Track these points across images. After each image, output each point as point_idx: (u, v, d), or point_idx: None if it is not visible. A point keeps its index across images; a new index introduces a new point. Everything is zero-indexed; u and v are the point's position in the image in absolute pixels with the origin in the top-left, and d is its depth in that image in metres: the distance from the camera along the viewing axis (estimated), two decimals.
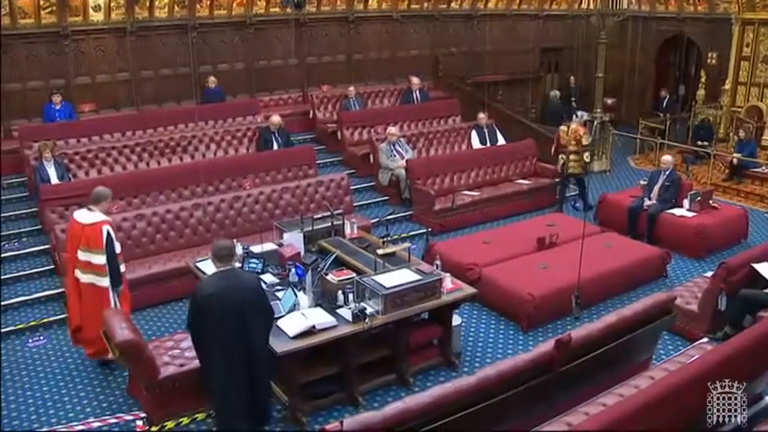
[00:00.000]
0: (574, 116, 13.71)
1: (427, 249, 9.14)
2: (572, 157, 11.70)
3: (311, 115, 14.28)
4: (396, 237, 10.27)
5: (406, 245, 7.67)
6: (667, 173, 10.67)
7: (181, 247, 9.16)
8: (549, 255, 8.92)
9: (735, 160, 13.38)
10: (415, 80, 14.99)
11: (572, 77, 18.33)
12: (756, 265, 7.51)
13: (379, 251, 7.43)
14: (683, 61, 19.01)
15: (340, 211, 8.69)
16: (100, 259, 6.76)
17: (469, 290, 7.10)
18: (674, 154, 13.48)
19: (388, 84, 15.82)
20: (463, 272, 8.18)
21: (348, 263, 7.26)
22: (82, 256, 6.80)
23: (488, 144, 13.14)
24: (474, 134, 13.28)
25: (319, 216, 8.26)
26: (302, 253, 7.44)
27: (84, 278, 6.83)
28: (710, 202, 10.70)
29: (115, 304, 6.90)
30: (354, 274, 6.81)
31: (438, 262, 7.28)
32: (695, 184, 12.70)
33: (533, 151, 12.86)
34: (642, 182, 11.34)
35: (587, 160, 12.04)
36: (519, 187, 12.12)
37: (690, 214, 10.31)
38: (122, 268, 7.06)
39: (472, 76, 16.79)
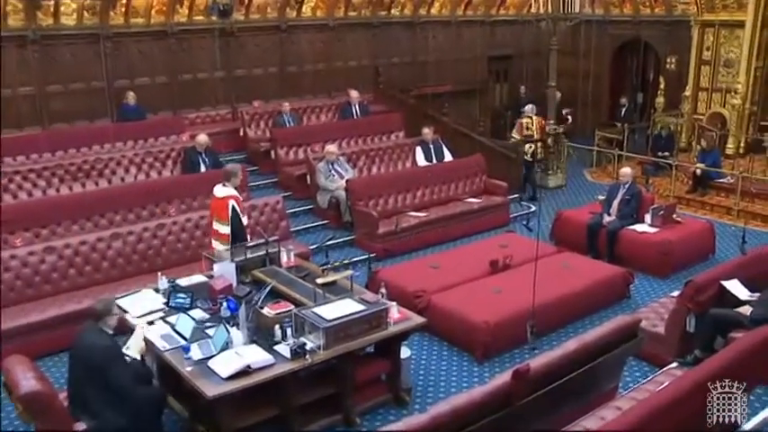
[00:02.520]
0: (527, 108, 15.19)
1: (371, 276, 9.14)
2: (539, 144, 14.31)
3: (242, 133, 14.23)
4: (337, 264, 10.10)
5: (349, 272, 7.63)
6: (627, 186, 10.92)
7: (98, 282, 8.94)
8: (504, 278, 9.00)
9: (698, 171, 13.71)
10: (353, 93, 15.07)
11: (522, 87, 18.66)
12: (725, 283, 7.66)
13: (319, 280, 7.39)
14: (640, 67, 19.53)
15: (275, 237, 8.64)
16: (224, 229, 8.40)
17: (418, 319, 7.09)
18: (633, 166, 13.78)
19: (325, 98, 15.92)
20: (411, 300, 8.19)
21: (285, 294, 7.19)
22: (214, 225, 8.61)
23: (434, 161, 13.27)
24: (418, 150, 13.39)
25: (253, 244, 8.17)
26: (234, 285, 7.33)
27: (214, 243, 8.56)
28: (674, 216, 10.97)
29: None
30: (292, 307, 6.74)
31: (383, 290, 7.25)
32: (657, 197, 13.02)
33: (483, 167, 13.03)
34: (600, 197, 11.58)
35: (551, 144, 14.91)
36: (468, 206, 12.25)
37: (652, 230, 10.54)
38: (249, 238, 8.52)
39: (415, 87, 17.01)
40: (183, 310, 6.89)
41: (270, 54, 15.66)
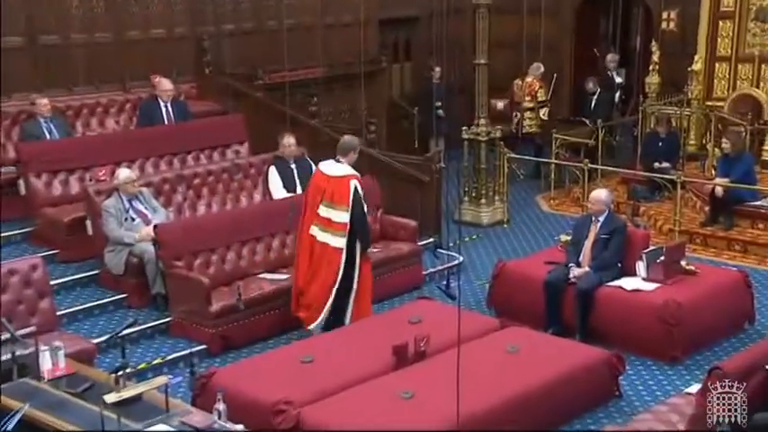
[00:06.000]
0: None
1: (200, 383, 9.00)
2: (527, 114, 17.71)
3: None
4: (142, 366, 10.12)
5: (163, 379, 7.55)
6: (602, 219, 11.10)
7: None
8: (417, 374, 8.98)
9: (719, 190, 13.98)
10: (163, 83, 14.89)
11: (436, 68, 18.84)
12: None
13: (110, 398, 7.17)
14: (619, 30, 19.95)
15: (30, 329, 8.45)
16: (341, 217, 10.09)
17: None
18: (613, 186, 14.05)
19: (114, 90, 15.70)
20: (268, 418, 8.12)
21: (49, 426, 7.00)
22: (323, 211, 10.17)
23: (299, 189, 13.17)
24: (273, 173, 13.35)
25: None
26: None
27: (321, 237, 10.24)
28: (683, 263, 11.17)
29: (353, 267, 10.32)
30: None
31: (221, 405, 7.14)
32: (654, 233, 13.28)
33: (377, 198, 13.11)
34: (564, 237, 11.74)
35: (544, 117, 18.09)
36: None
37: (650, 286, 10.70)
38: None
39: (265, 72, 16.94)
40: None
41: (11, 15, 15.13)
